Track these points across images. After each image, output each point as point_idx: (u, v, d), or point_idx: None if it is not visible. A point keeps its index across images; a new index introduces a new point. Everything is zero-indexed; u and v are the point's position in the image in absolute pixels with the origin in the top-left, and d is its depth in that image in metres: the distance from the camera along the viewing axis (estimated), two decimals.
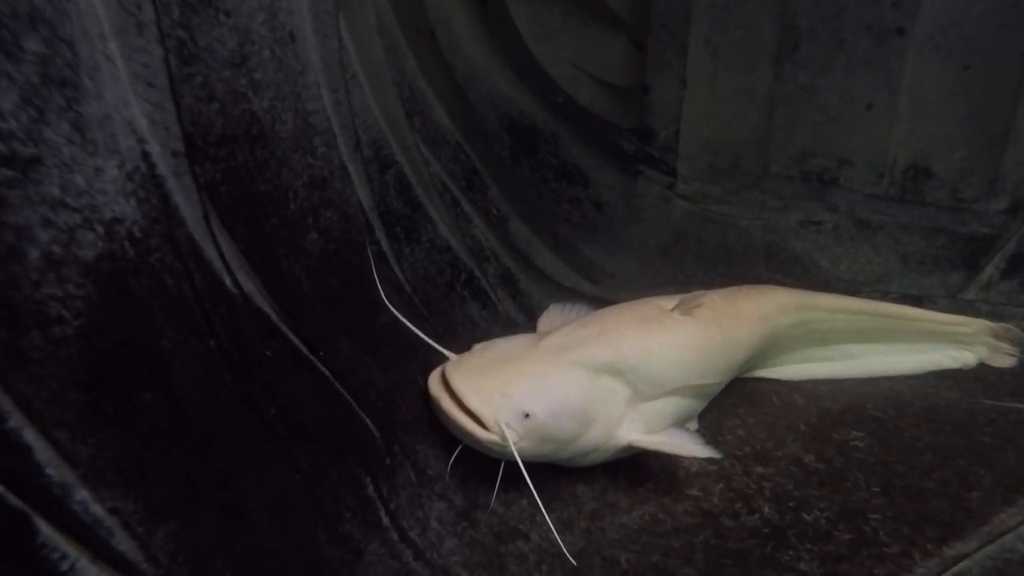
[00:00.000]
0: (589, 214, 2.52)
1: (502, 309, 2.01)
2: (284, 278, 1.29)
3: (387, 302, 1.53)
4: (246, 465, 1.01)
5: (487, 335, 1.85)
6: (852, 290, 2.30)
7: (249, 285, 1.18)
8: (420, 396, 1.48)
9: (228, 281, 1.14)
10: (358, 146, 1.65)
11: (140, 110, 0.99)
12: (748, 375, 2.02)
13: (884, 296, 2.25)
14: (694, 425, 1.80)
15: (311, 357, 1.22)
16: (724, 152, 2.52)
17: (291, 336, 1.21)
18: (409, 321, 1.55)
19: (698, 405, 1.79)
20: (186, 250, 1.07)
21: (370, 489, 1.18)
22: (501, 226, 2.19)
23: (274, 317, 1.20)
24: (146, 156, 1.00)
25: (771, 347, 1.95)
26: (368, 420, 1.24)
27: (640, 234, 2.50)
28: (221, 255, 1.14)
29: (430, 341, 1.50)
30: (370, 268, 1.57)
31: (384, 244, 1.70)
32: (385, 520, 1.18)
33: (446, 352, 1.53)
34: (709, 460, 1.65)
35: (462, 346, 1.62)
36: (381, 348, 1.45)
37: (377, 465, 1.22)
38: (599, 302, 2.15)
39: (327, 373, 1.23)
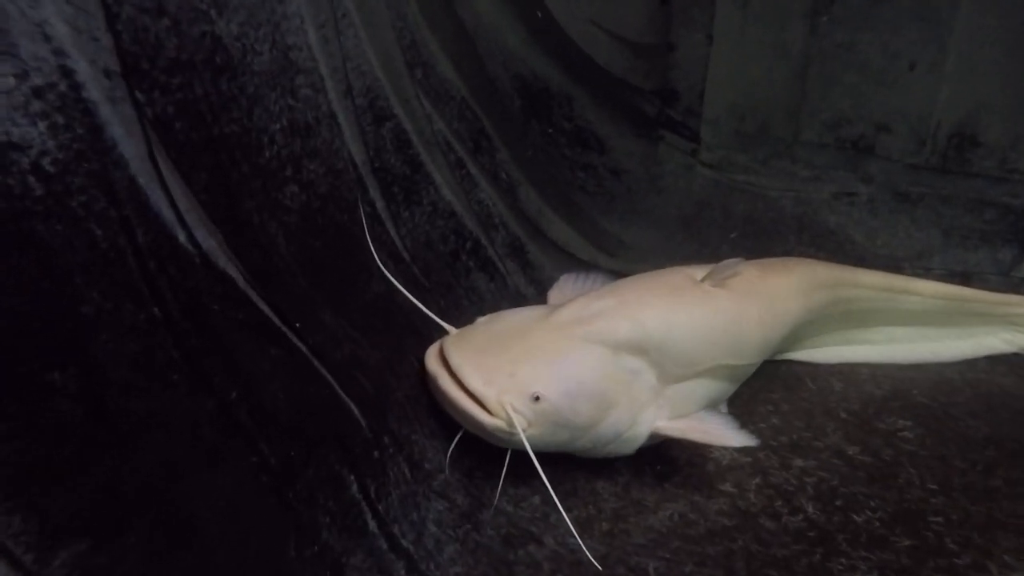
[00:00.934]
0: (605, 182, 2.27)
1: (511, 281, 1.78)
2: (256, 237, 1.06)
3: (382, 267, 1.30)
4: (194, 463, 0.79)
5: (494, 309, 1.62)
6: (892, 267, 2.05)
7: (210, 243, 0.95)
8: (417, 376, 1.25)
9: (182, 237, 0.91)
10: (349, 92, 1.41)
11: (57, 12, 0.76)
12: (780, 357, 1.78)
13: (927, 273, 2.01)
14: (723, 409, 1.57)
15: (284, 330, 0.99)
16: (752, 116, 2.27)
17: (261, 305, 0.98)
18: (409, 292, 1.33)
19: (729, 389, 1.56)
20: (125, 196, 0.84)
21: (354, 489, 0.96)
22: (510, 192, 1.95)
23: (241, 282, 0.97)
24: (67, 72, 0.77)
25: (808, 326, 1.72)
26: (353, 405, 1.01)
27: (660, 204, 2.26)
28: (173, 205, 0.91)
29: (428, 312, 1.28)
30: (362, 230, 1.34)
31: (379, 205, 1.47)
32: (372, 526, 0.96)
33: (446, 326, 1.30)
34: (743, 450, 1.43)
35: (466, 321, 1.39)
36: (372, 321, 1.22)
37: (363, 459, 0.99)
38: (616, 276, 1.92)
39: (304, 349, 1.00)
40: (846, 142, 2.24)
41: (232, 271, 0.97)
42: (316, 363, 1.00)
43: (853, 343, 1.84)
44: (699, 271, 1.52)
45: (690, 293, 1.44)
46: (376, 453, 1.01)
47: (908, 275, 1.95)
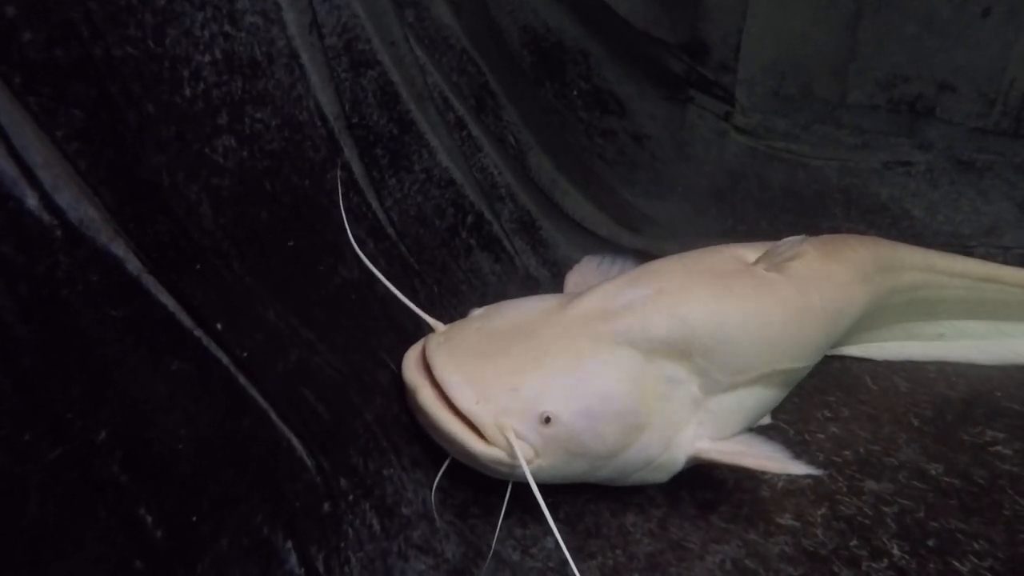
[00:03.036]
0: (627, 149, 1.93)
1: (519, 262, 1.46)
2: (165, 203, 0.73)
3: (353, 244, 0.97)
4: (14, 554, 0.47)
5: (500, 295, 1.30)
6: (957, 246, 1.70)
7: (83, 211, 0.64)
8: (396, 389, 0.93)
9: (31, 201, 0.60)
10: (315, 27, 1.07)
11: None
12: (831, 352, 1.45)
13: (1005, 253, 1.66)
14: (767, 419, 1.24)
15: (198, 334, 0.67)
16: (794, 75, 1.91)
17: (162, 298, 0.66)
18: (394, 276, 1.00)
19: (781, 396, 1.24)
20: None
21: (292, 561, 0.65)
22: (519, 159, 1.62)
23: (131, 266, 0.65)
24: None
25: (869, 316, 1.38)
26: (293, 437, 0.69)
27: (689, 174, 1.91)
28: (14, 154, 0.59)
29: (406, 300, 0.95)
30: (331, 200, 1.02)
31: (357, 170, 1.14)
32: None
33: (430, 320, 0.97)
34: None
35: (463, 312, 1.07)
36: (337, 317, 0.90)
37: (307, 516, 0.68)
38: (640, 256, 1.59)
39: (226, 360, 0.68)
40: (901, 104, 1.88)
41: (119, 250, 0.65)
42: (243, 380, 0.68)
43: (917, 338, 1.51)
44: (750, 251, 1.18)
45: (743, 280, 1.10)
46: (327, 505, 0.70)
47: (979, 256, 1.61)
